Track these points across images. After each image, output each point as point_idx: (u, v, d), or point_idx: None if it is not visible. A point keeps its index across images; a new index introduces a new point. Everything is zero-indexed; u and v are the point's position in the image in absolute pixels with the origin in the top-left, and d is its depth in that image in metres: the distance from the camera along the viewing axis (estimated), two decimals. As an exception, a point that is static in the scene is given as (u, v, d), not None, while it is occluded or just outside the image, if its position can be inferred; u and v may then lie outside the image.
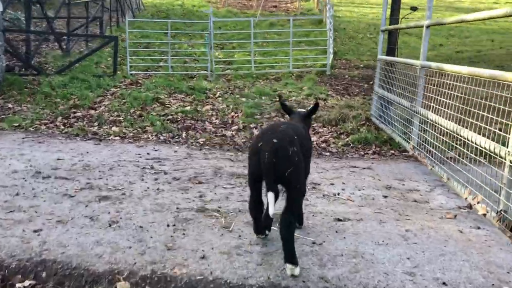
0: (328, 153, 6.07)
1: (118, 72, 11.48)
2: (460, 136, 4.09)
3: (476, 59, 14.78)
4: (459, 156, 4.25)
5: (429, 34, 5.12)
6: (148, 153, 5.59)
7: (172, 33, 15.16)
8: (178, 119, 7.72)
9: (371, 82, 11.50)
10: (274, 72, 12.63)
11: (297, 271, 2.66)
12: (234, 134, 7.00)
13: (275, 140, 2.64)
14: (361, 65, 14.01)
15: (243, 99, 9.10)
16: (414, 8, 7.43)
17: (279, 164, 2.60)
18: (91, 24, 15.74)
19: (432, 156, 4.84)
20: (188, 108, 8.33)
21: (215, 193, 4.15)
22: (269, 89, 9.97)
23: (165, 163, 5.15)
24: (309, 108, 3.58)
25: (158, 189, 4.21)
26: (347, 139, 6.62)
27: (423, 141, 5.25)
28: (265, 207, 2.94)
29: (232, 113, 8.12)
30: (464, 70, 3.96)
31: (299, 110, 3.67)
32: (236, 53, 14.78)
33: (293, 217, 2.70)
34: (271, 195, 2.56)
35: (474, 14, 4.03)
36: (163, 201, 3.88)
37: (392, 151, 6.04)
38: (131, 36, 16.07)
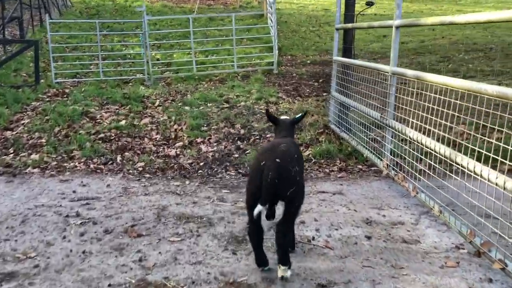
0: (288, 173, 5.30)
1: (42, 80, 10.11)
2: (442, 156, 3.45)
3: (421, 50, 14.64)
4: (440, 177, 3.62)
5: (399, 36, 4.45)
6: (74, 191, 4.55)
7: (103, 33, 13.83)
8: (112, 137, 6.66)
9: (321, 80, 10.90)
10: (218, 72, 11.72)
11: (288, 273, 2.83)
12: (178, 152, 6.07)
13: (278, 160, 2.73)
14: (308, 61, 13.42)
15: (187, 108, 8.14)
16: (370, 3, 6.82)
17: (282, 184, 2.69)
18: (9, 25, 14.05)
19: (409, 175, 4.20)
20: (123, 122, 7.27)
21: (160, 252, 3.25)
22: (214, 94, 9.06)
23: (95, 206, 4.16)
24: (297, 116, 3.65)
25: (84, 252, 3.24)
26: (308, 152, 5.89)
27: (399, 159, 4.60)
28: (265, 229, 2.96)
29: (175, 126, 7.15)
30: (456, 83, 3.29)
31: (284, 118, 3.67)
32: (175, 52, 13.71)
33: (290, 227, 2.98)
34: (260, 207, 2.66)
35: (461, 16, 3.38)
36: (90, 274, 2.93)
37: (360, 166, 5.37)
38: (57, 38, 14.54)
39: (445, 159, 3.46)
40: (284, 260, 2.79)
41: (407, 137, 4.17)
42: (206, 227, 3.69)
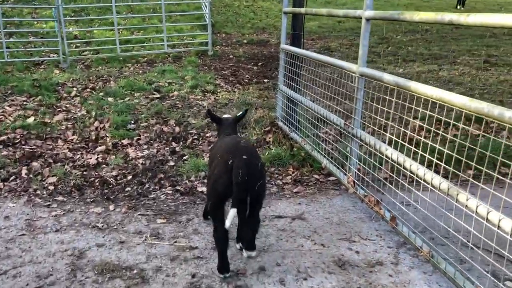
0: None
1: None
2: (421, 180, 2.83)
3: (358, 30, 14.25)
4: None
5: (369, 29, 3.71)
6: (-47, 230, 3.44)
7: (9, 5, 11.96)
8: (17, 141, 5.46)
9: (260, 64, 10.09)
10: (146, 53, 10.50)
11: (254, 253, 3.04)
12: (100, 159, 5.03)
13: (244, 157, 2.72)
14: (244, 41, 12.53)
15: (110, 99, 7.01)
16: None
17: (251, 179, 2.71)
18: None
19: (375, 191, 3.58)
20: (31, 120, 6.04)
21: None
22: (143, 82, 7.96)
23: (-16, 255, 3.11)
24: (238, 114, 3.62)
25: None
26: (255, 158, 5.10)
27: (364, 174, 3.95)
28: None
29: (96, 123, 6.05)
30: (457, 100, 2.60)
31: (226, 116, 3.62)
32: (95, 29, 12.19)
33: (257, 220, 2.95)
34: (234, 210, 2.62)
35: (462, 15, 2.69)
36: None
37: (316, 176, 4.68)
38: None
39: (424, 182, 2.84)
40: (252, 246, 3.01)
41: (379, 152, 3.51)
42: (137, 285, 2.81)
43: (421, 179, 2.93)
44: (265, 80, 8.71)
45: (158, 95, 7.33)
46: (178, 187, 4.35)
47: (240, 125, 5.98)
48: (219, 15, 15.89)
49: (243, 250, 3.09)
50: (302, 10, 5.21)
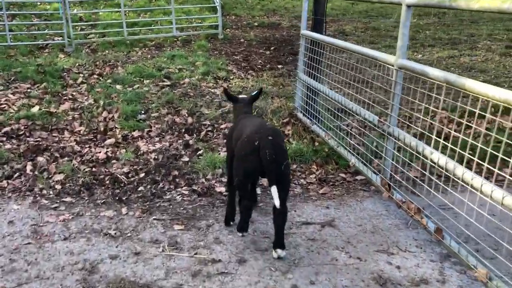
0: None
1: None
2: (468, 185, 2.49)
3: (373, 13, 13.74)
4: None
5: (410, 17, 3.32)
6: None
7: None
8: (21, 132, 5.14)
9: (272, 48, 9.67)
10: (154, 37, 10.08)
11: (283, 253, 2.94)
12: (110, 154, 4.71)
13: (270, 138, 2.80)
14: (255, 23, 12.07)
15: (118, 87, 6.66)
16: None
17: (279, 159, 2.77)
18: None
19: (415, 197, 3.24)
20: (36, 109, 5.71)
21: None
22: (152, 68, 7.59)
23: (-15, 268, 2.81)
24: (253, 93, 3.65)
25: None
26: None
27: (406, 180, 3.61)
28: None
29: (104, 114, 5.72)
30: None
31: (242, 96, 3.71)
32: (100, 11, 11.75)
33: (286, 207, 2.91)
34: (275, 188, 2.70)
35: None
36: None
37: (342, 174, 4.34)
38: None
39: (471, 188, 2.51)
40: (282, 244, 2.94)
41: (420, 155, 3.16)
42: (157, 308, 2.51)
43: (470, 186, 2.59)
44: (279, 66, 8.31)
45: (168, 83, 6.96)
46: (194, 187, 4.03)
47: (258, 113, 5.65)
48: (227, -4, 15.38)
49: (273, 251, 2.97)
50: (328, -7, 4.81)
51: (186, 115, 5.79)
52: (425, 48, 10.07)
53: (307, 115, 5.44)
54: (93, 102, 6.02)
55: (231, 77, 7.47)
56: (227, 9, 13.60)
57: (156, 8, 12.14)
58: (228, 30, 11.23)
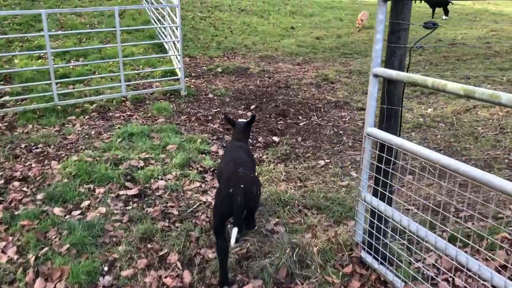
0: None
1: None
2: None
3: (347, 50, 12.07)
4: None
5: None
6: None
7: None
8: None
9: (253, 107, 7.54)
10: (94, 99, 7.56)
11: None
12: None
13: (242, 186, 3.21)
14: (218, 69, 9.89)
15: (57, 211, 4.17)
16: (432, 25, 3.56)
17: (248, 203, 3.27)
18: None
19: None
20: None
21: None
22: (104, 163, 5.13)
23: None
24: (248, 119, 4.29)
25: None
26: None
27: None
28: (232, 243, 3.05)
29: (38, 285, 3.25)
30: None
31: (240, 121, 4.35)
32: (17, 55, 9.02)
33: (255, 224, 3.84)
34: (236, 230, 3.04)
35: None
36: None
37: None
38: None
39: None
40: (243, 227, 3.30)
41: None
42: None
43: None
44: (275, 139, 6.21)
45: (134, 190, 4.58)
46: None
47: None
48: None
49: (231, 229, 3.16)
50: (415, 76, 2.75)
51: (180, 267, 3.49)
52: (428, 97, 8.46)
53: (382, 260, 3.36)
54: (14, 258, 3.52)
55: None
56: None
57: (93, 48, 9.55)
58: (187, 79, 8.97)
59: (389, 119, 3.40)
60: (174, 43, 8.91)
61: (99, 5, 14.48)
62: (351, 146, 6.18)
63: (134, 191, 4.55)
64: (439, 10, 17.40)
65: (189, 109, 7.39)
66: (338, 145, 6.19)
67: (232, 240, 3.01)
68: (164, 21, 9.83)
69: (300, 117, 7.24)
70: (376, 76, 3.32)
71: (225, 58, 11.00)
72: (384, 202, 3.33)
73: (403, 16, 3.24)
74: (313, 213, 4.28)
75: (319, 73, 9.62)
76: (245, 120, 4.31)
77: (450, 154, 6.06)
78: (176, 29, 7.88)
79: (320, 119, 7.15)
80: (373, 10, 18.24)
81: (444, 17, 17.07)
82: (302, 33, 13.99)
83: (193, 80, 9.03)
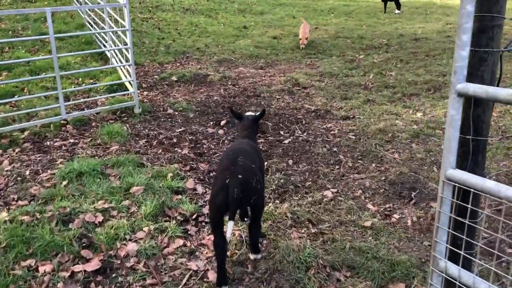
0: None
1: None
2: None
3: (309, 50, 11.11)
4: None
5: None
6: None
7: None
8: None
9: (223, 123, 6.34)
10: (26, 125, 6.01)
11: (259, 256, 3.40)
12: None
13: (240, 176, 2.97)
14: (173, 78, 8.57)
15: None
16: None
17: (246, 196, 2.98)
18: None
19: None
20: None
21: None
22: (47, 223, 3.76)
23: None
24: (258, 114, 3.84)
25: None
26: None
27: None
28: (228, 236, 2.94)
29: None
30: None
31: (248, 114, 3.92)
32: None
33: (259, 225, 3.33)
34: (231, 223, 2.88)
35: None
36: None
37: None
38: None
39: None
40: (256, 250, 3.38)
41: None
42: None
43: None
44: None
45: (94, 263, 3.27)
46: None
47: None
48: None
49: (250, 253, 3.39)
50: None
51: None
52: (411, 100, 7.68)
53: None
54: None
55: (205, 218, 4.03)
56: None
57: (31, 79, 7.89)
58: (138, 92, 7.60)
59: (476, 154, 2.39)
60: (120, 50, 7.49)
61: (22, 7, 12.60)
62: (352, 167, 5.18)
63: (94, 265, 3.24)
64: (390, 4, 17.00)
65: (147, 130, 6.08)
66: (337, 167, 5.16)
67: (228, 234, 2.92)
68: (105, 24, 8.36)
69: (281, 132, 6.16)
70: (461, 95, 2.25)
71: (178, 64, 9.68)
72: (471, 271, 2.32)
73: (499, 7, 2.23)
74: (346, 276, 3.20)
75: (288, 78, 8.58)
76: (253, 114, 3.89)
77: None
78: (125, 33, 6.51)
79: (305, 134, 6.10)
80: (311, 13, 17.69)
81: (396, 11, 16.68)
82: (257, 32, 12.90)
83: (145, 93, 7.67)
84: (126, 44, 6.41)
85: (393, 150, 5.68)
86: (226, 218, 2.95)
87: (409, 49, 11.13)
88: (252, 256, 3.38)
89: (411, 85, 8.37)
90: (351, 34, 12.91)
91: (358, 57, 10.44)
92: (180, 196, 4.26)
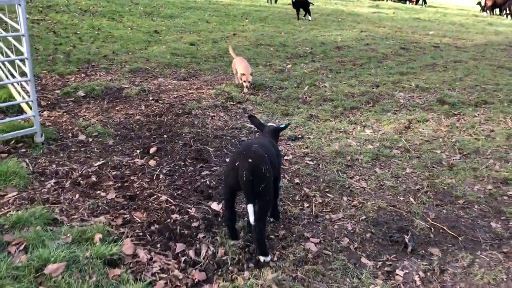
0: None
1: None
2: None
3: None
4: None
5: None
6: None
7: None
8: None
9: (154, 151, 5.11)
10: None
11: (268, 258, 3.26)
12: None
13: (250, 160, 3.03)
14: (79, 92, 7.07)
15: None
16: None
17: (254, 181, 3.02)
18: None
19: None
20: None
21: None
22: None
23: None
24: (282, 125, 3.98)
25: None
26: None
27: None
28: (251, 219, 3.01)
29: None
30: None
31: (269, 124, 3.98)
32: None
33: (263, 224, 3.20)
34: (250, 206, 3.04)
35: None
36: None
37: None
38: None
39: None
40: (264, 252, 3.24)
41: None
42: None
43: None
44: (215, 207, 3.99)
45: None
46: None
47: None
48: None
49: (259, 255, 3.26)
50: None
51: None
52: (354, 114, 7.10)
53: None
54: None
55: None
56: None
57: None
58: (46, 113, 6.03)
59: None
60: (12, 62, 5.88)
61: None
62: (323, 204, 4.32)
63: None
64: (302, 11, 16.73)
65: (55, 165, 4.65)
66: (307, 205, 4.26)
67: (251, 218, 3.01)
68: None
69: (227, 160, 5.12)
70: None
71: (83, 75, 8.13)
72: None
73: None
74: None
75: (218, 91, 7.54)
76: (275, 125, 3.98)
77: (442, 197, 4.64)
78: (19, 39, 5.01)
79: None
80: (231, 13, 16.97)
81: (309, 18, 16.43)
82: (171, 38, 11.64)
83: (46, 113, 6.13)
84: (22, 54, 4.88)
85: (358, 177, 4.95)
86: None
87: (335, 58, 10.71)
88: (261, 259, 3.26)
89: (348, 97, 7.81)
90: (272, 41, 12.23)
91: (286, 66, 9.73)
92: (118, 271, 3.03)
